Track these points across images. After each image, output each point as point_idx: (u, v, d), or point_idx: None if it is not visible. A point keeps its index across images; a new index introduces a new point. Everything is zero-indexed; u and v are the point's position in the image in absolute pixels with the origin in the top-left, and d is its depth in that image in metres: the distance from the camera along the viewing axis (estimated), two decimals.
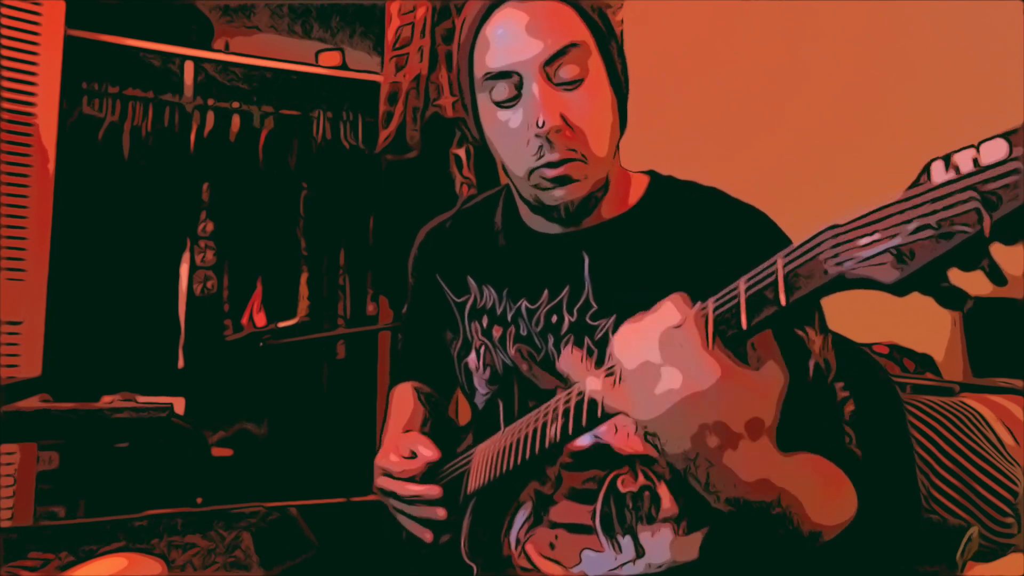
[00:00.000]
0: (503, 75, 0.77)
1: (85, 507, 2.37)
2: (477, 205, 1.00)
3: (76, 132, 2.62)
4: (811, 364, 0.73)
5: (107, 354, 2.57)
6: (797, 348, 0.73)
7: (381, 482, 0.91)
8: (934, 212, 0.40)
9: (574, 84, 0.77)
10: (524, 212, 0.90)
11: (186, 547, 1.11)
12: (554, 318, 0.85)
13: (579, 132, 0.77)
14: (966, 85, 1.37)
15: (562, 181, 0.78)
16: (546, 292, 0.86)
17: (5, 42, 2.25)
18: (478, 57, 0.79)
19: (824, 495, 0.65)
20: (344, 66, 3.13)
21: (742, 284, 0.52)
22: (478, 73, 0.80)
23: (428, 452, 0.88)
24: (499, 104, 0.79)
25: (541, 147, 0.76)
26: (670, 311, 0.55)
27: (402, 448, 0.91)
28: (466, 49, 0.81)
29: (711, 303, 0.54)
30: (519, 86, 0.77)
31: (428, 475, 0.90)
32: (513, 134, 0.78)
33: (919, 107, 1.46)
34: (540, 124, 0.74)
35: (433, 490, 0.87)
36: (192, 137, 2.84)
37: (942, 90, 1.43)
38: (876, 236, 0.43)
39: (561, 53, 0.75)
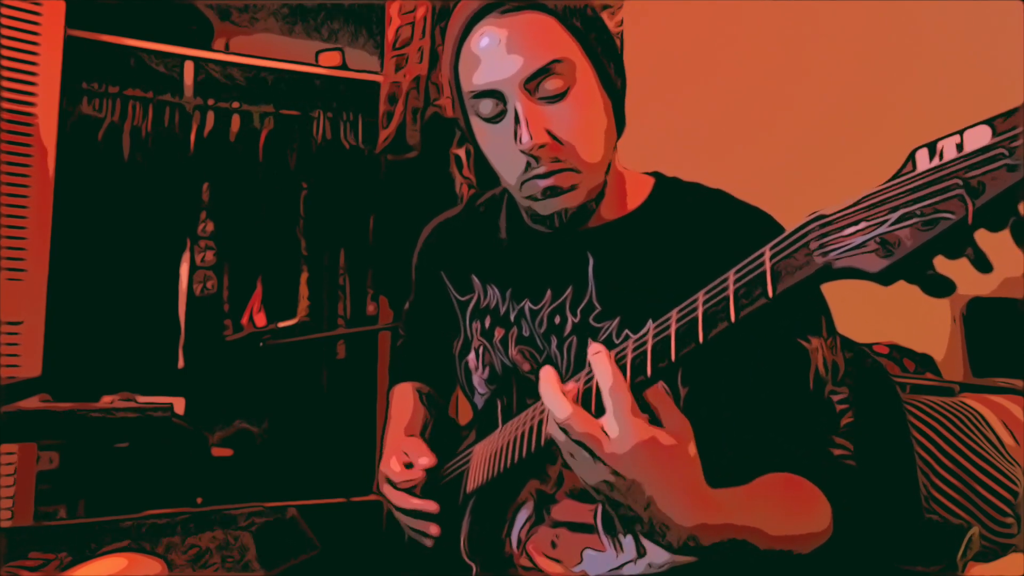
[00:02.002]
0: (486, 93, 0.76)
1: (85, 507, 2.37)
2: (483, 204, 1.00)
3: (76, 132, 2.62)
4: (811, 375, 0.73)
5: (107, 354, 2.57)
6: (798, 358, 0.73)
7: (384, 490, 0.93)
8: (918, 200, 0.40)
9: (559, 96, 0.75)
10: (526, 217, 0.90)
11: (186, 547, 1.11)
12: (557, 319, 0.85)
13: (567, 144, 0.76)
14: (966, 85, 1.37)
15: (554, 192, 0.77)
16: (549, 292, 0.86)
17: (5, 42, 2.25)
18: (463, 74, 0.79)
19: (782, 518, 0.65)
20: (344, 66, 3.13)
21: (731, 276, 0.52)
22: (464, 89, 0.79)
23: (425, 460, 0.89)
24: (486, 120, 0.78)
25: (528, 163, 0.76)
26: (604, 371, 0.57)
27: (402, 455, 0.92)
28: (450, 66, 0.81)
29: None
30: (503, 103, 0.76)
31: (429, 478, 0.90)
32: (503, 148, 0.78)
33: (919, 107, 1.46)
34: (522, 143, 0.74)
35: (430, 505, 0.88)
36: (192, 137, 2.85)
37: (942, 90, 1.43)
38: (861, 225, 0.42)
39: (542, 71, 0.74)
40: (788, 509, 0.67)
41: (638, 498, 0.56)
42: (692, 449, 0.57)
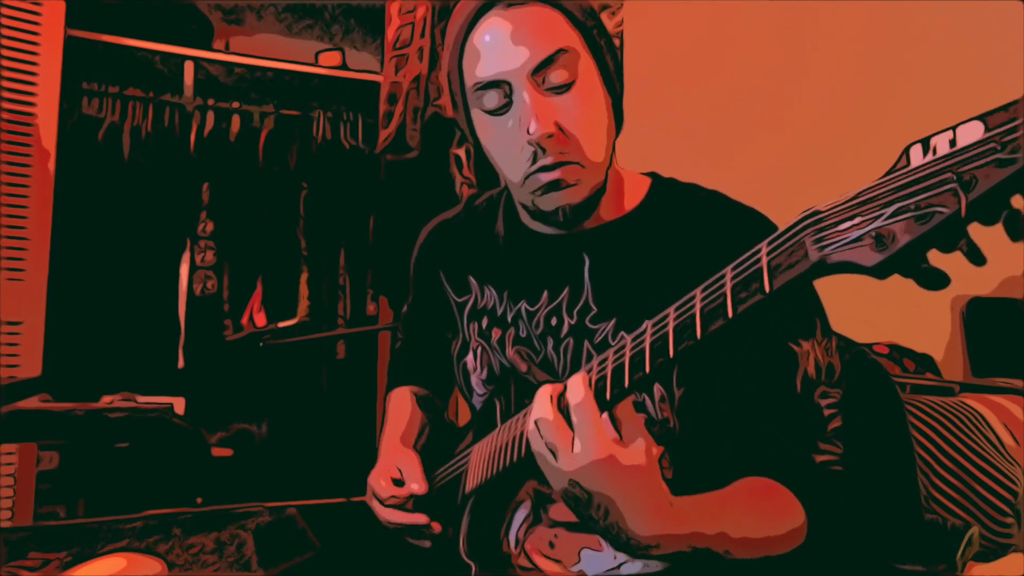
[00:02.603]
0: (492, 84, 0.76)
1: (85, 507, 2.37)
2: (481, 204, 1.00)
3: (76, 132, 2.62)
4: (799, 379, 0.73)
5: (107, 354, 2.57)
6: (787, 362, 0.73)
7: (373, 505, 0.93)
8: (912, 195, 0.40)
9: (564, 88, 0.76)
10: (524, 214, 0.89)
11: (186, 547, 1.10)
12: (553, 320, 0.85)
13: (572, 137, 0.76)
14: (966, 85, 1.37)
15: (557, 186, 0.77)
16: (546, 294, 0.86)
17: (5, 42, 2.26)
18: (467, 67, 0.79)
19: (749, 522, 0.66)
20: (344, 66, 3.13)
21: (728, 273, 0.52)
22: (468, 83, 0.79)
23: (416, 486, 0.89)
24: (490, 113, 0.78)
25: (535, 153, 0.76)
26: (575, 389, 0.59)
27: (392, 470, 0.92)
28: (454, 59, 0.80)
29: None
30: (509, 94, 0.76)
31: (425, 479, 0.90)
32: (506, 142, 0.78)
33: (919, 107, 1.46)
34: (531, 131, 0.74)
35: (419, 518, 0.88)
36: (192, 137, 2.85)
37: (942, 90, 1.43)
38: (856, 220, 0.43)
39: (548, 61, 0.74)
40: (754, 514, 0.67)
41: (597, 510, 0.58)
42: (653, 465, 0.59)
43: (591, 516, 0.59)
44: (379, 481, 0.92)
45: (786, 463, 0.71)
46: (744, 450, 0.73)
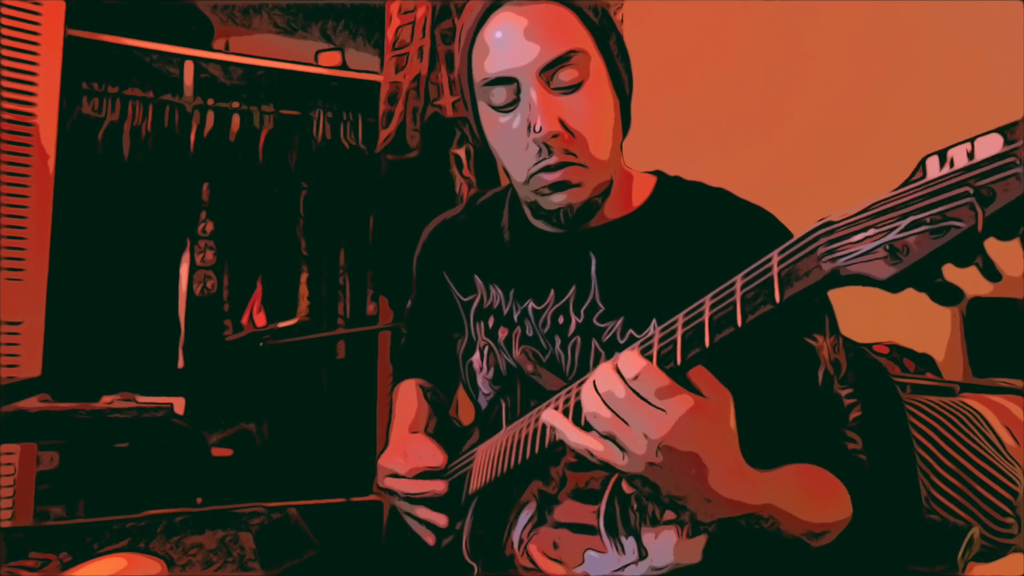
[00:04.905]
0: (501, 80, 0.76)
1: (85, 507, 2.37)
2: (485, 203, 1.00)
3: (76, 132, 2.62)
4: (820, 372, 0.73)
5: (107, 354, 2.57)
6: (807, 356, 0.73)
7: (387, 482, 0.92)
8: (928, 207, 0.40)
9: (573, 88, 0.76)
10: (529, 213, 0.89)
11: (186, 547, 1.10)
12: (560, 319, 0.85)
13: (579, 136, 0.76)
14: (966, 85, 1.37)
15: (561, 187, 0.77)
16: (552, 293, 0.86)
17: (5, 42, 2.25)
18: (476, 62, 0.79)
19: (810, 504, 0.65)
20: (344, 66, 3.13)
21: (739, 281, 0.51)
22: (477, 78, 0.79)
23: (434, 461, 0.88)
24: (498, 109, 0.78)
25: (540, 152, 0.76)
26: (630, 360, 0.56)
27: (409, 451, 0.91)
28: (464, 54, 0.80)
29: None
30: (517, 91, 0.76)
31: (433, 476, 0.90)
32: (512, 139, 0.78)
33: (920, 107, 1.46)
34: (537, 129, 0.74)
35: (439, 486, 0.87)
36: (192, 137, 2.85)
37: (942, 90, 1.43)
38: (870, 232, 0.42)
39: (559, 61, 0.75)
40: (816, 496, 0.67)
41: (684, 477, 0.56)
42: (733, 422, 0.58)
43: (676, 486, 0.57)
44: (395, 458, 0.91)
45: (822, 452, 0.71)
46: (774, 443, 0.72)
